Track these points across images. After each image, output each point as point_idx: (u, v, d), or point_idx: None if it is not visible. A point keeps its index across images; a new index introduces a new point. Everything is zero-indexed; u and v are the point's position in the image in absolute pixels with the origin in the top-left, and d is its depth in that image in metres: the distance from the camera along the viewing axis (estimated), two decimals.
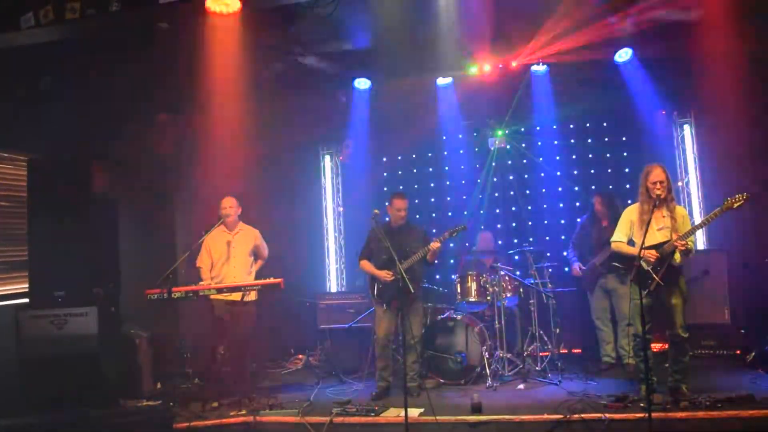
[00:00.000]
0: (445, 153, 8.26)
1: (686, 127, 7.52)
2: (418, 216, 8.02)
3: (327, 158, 8.71)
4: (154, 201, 7.07)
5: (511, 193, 7.98)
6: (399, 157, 8.46)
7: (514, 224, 7.92)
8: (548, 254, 6.75)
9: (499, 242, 7.47)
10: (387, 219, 5.78)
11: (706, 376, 5.47)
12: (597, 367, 6.16)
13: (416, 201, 8.23)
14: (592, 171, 7.70)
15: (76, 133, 6.19)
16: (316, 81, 7.38)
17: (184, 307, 6.80)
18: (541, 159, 7.82)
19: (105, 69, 6.01)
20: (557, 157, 7.79)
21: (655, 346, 6.09)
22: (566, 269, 6.93)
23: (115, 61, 5.97)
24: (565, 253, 6.85)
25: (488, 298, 6.21)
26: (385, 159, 8.52)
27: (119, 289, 5.97)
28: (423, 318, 6.18)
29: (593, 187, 7.24)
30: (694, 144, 7.45)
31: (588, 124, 7.80)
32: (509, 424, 4.62)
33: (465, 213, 7.89)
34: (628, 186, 7.01)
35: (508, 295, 6.32)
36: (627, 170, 7.41)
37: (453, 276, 6.71)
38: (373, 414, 4.89)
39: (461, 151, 8.15)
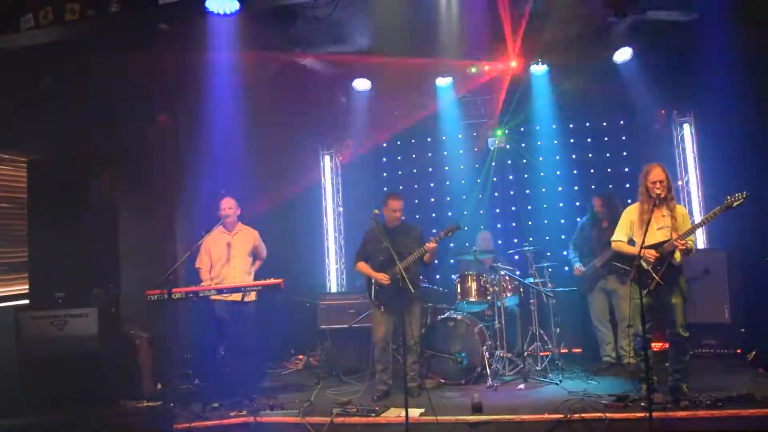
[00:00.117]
0: (445, 153, 8.26)
1: (686, 127, 7.52)
2: (417, 216, 8.02)
3: (327, 158, 8.71)
4: (154, 202, 7.06)
5: (511, 192, 7.98)
6: (399, 157, 8.47)
7: (513, 224, 7.92)
8: (548, 254, 6.75)
9: (499, 242, 7.47)
10: (383, 220, 5.71)
11: (706, 376, 5.47)
12: (597, 367, 6.16)
13: (416, 201, 8.23)
14: (592, 171, 7.70)
15: (76, 133, 6.19)
16: (316, 81, 7.39)
17: (184, 307, 6.79)
18: (540, 159, 7.82)
19: (105, 69, 6.01)
20: (557, 157, 7.79)
21: (656, 346, 6.08)
22: (566, 269, 6.93)
23: (115, 62, 5.97)
24: (565, 253, 6.85)
25: (488, 298, 6.21)
26: (384, 159, 8.52)
27: (119, 289, 5.98)
28: (424, 318, 6.19)
29: (593, 186, 7.25)
30: (694, 144, 7.45)
31: (588, 124, 7.80)
32: (510, 424, 4.62)
33: (465, 213, 7.89)
34: (628, 186, 7.01)
35: (508, 295, 6.32)
36: (627, 170, 7.41)
37: (453, 276, 6.70)
38: (373, 414, 4.89)
39: (461, 151, 8.15)
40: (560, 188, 7.73)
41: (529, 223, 7.81)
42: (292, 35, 6.32)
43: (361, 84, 7.85)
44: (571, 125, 7.77)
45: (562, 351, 6.58)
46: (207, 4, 5.37)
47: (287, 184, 8.14)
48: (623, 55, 7.02)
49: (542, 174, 7.81)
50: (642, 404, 4.59)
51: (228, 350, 5.72)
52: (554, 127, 7.72)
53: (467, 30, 6.41)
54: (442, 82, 7.77)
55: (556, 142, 7.79)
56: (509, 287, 6.35)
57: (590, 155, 7.73)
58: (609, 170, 7.61)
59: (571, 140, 7.80)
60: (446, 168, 8.25)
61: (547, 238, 7.54)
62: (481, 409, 4.83)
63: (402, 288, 5.32)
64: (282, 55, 6.79)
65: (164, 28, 5.63)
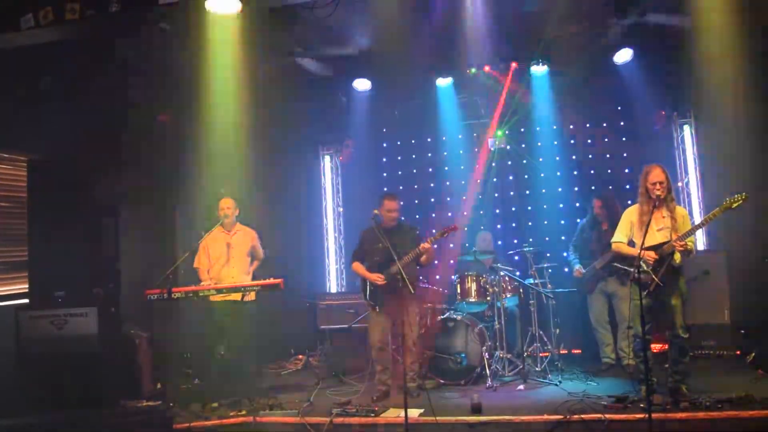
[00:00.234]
0: (445, 153, 8.26)
1: (686, 127, 7.52)
2: (417, 216, 8.03)
3: (327, 158, 8.71)
4: (154, 201, 7.06)
5: (511, 193, 7.98)
6: (399, 158, 8.47)
7: (513, 225, 7.92)
8: (548, 254, 6.74)
9: (499, 242, 7.47)
10: (381, 220, 5.67)
11: (706, 377, 5.46)
12: (597, 368, 6.16)
13: (416, 201, 8.24)
14: (592, 171, 7.70)
15: (76, 133, 6.19)
16: (316, 81, 7.40)
17: (184, 307, 6.80)
18: (540, 160, 7.82)
19: (105, 69, 6.01)
20: (557, 158, 7.79)
21: (655, 347, 6.08)
22: (566, 270, 6.92)
23: (115, 62, 5.97)
24: (565, 254, 6.84)
25: (488, 298, 6.21)
26: (384, 159, 8.52)
27: (119, 289, 5.98)
28: (423, 319, 6.19)
29: (593, 188, 7.24)
30: (694, 144, 7.45)
31: (588, 125, 7.80)
32: (509, 424, 4.62)
33: (465, 213, 7.89)
34: (628, 186, 7.01)
35: (508, 296, 6.32)
36: (627, 170, 7.41)
37: (453, 276, 6.70)
38: (373, 414, 4.89)
39: (461, 152, 8.15)
40: (560, 189, 7.73)
41: (529, 223, 7.80)
42: (293, 35, 6.33)
43: (361, 84, 7.85)
44: (571, 126, 7.77)
45: (561, 352, 6.57)
46: (207, 5, 5.37)
47: (287, 184, 8.15)
48: (623, 56, 7.02)
49: (542, 175, 7.81)
50: (641, 405, 4.59)
51: (227, 350, 5.72)
52: (554, 128, 7.72)
53: (468, 30, 6.42)
54: (442, 82, 7.77)
55: (556, 143, 7.79)
56: (509, 288, 6.35)
57: (590, 156, 7.73)
58: (609, 171, 7.61)
59: (571, 141, 7.80)
60: (446, 168, 8.25)
61: (547, 239, 7.54)
62: (481, 409, 4.83)
63: (397, 288, 5.33)
64: (282, 54, 6.80)
65: (164, 28, 5.62)
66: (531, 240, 6.81)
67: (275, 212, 7.83)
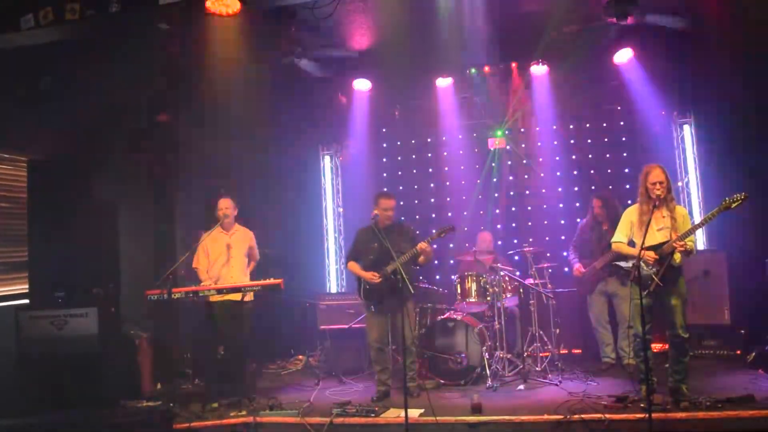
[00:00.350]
0: (445, 153, 8.26)
1: (686, 127, 7.52)
2: (417, 216, 8.04)
3: (327, 159, 8.71)
4: (154, 201, 7.07)
5: (511, 193, 7.98)
6: (399, 158, 8.46)
7: (513, 224, 7.92)
8: (548, 254, 6.75)
9: (499, 242, 7.47)
10: (376, 217, 5.55)
11: (706, 377, 5.47)
12: (597, 368, 6.16)
13: (416, 201, 8.24)
14: (592, 171, 7.70)
15: (76, 133, 6.19)
16: (316, 81, 7.39)
17: (184, 307, 6.80)
18: (540, 159, 7.82)
19: (105, 69, 6.02)
20: (557, 158, 7.79)
21: (656, 347, 6.08)
22: (566, 270, 6.93)
23: (115, 62, 5.97)
24: (565, 254, 6.85)
25: (488, 298, 6.21)
26: (384, 159, 8.52)
27: (119, 289, 5.98)
28: (423, 319, 6.20)
29: (593, 187, 7.24)
30: (694, 144, 7.45)
31: (588, 125, 7.80)
32: (509, 424, 4.62)
33: (465, 213, 7.89)
34: (627, 186, 7.01)
35: (508, 296, 6.32)
36: (627, 170, 7.41)
37: (453, 276, 6.70)
38: (373, 415, 4.89)
39: (461, 152, 8.15)
40: (560, 189, 7.73)
41: (529, 223, 7.80)
42: (293, 35, 6.33)
43: (361, 84, 7.85)
44: (570, 126, 7.77)
45: (561, 352, 6.58)
46: (207, 5, 5.37)
47: (287, 184, 8.15)
48: (623, 56, 7.02)
49: (542, 175, 7.80)
50: (642, 405, 4.59)
51: (227, 350, 5.72)
52: (554, 128, 7.72)
53: (467, 30, 6.42)
54: (442, 82, 7.77)
55: (556, 143, 7.79)
56: (509, 288, 6.35)
57: (590, 156, 7.73)
58: (609, 171, 7.61)
59: (571, 141, 7.80)
60: (446, 168, 8.25)
61: (547, 239, 7.54)
62: (481, 409, 4.83)
63: (393, 288, 5.33)
64: (282, 54, 6.80)
65: (164, 28, 5.62)
66: (531, 240, 6.81)
67: (275, 212, 7.83)
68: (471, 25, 6.28)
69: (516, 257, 7.20)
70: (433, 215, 8.20)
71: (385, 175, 8.51)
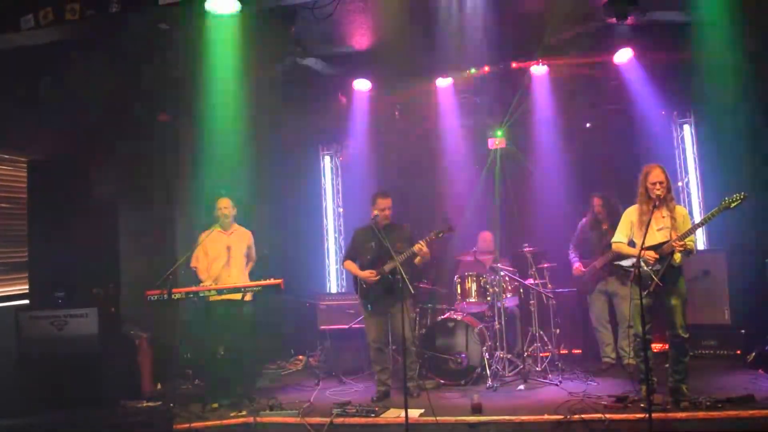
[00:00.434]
0: (445, 153, 8.24)
1: (686, 127, 7.52)
2: (417, 217, 8.00)
3: (327, 159, 8.71)
4: (154, 202, 7.07)
5: (511, 193, 7.97)
6: (398, 158, 8.44)
7: (513, 224, 7.90)
8: (548, 255, 6.74)
9: (499, 243, 7.45)
10: (377, 217, 5.56)
11: (706, 377, 5.47)
12: (597, 368, 6.16)
13: (416, 201, 8.21)
14: (592, 171, 7.68)
15: (76, 133, 6.19)
16: (316, 82, 7.39)
17: (184, 307, 6.81)
18: (540, 159, 7.81)
19: (105, 69, 6.01)
20: (557, 158, 7.77)
21: (656, 347, 6.08)
22: (566, 270, 6.91)
23: (115, 62, 5.97)
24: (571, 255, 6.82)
25: (488, 298, 6.21)
26: (384, 159, 8.51)
27: (119, 289, 5.98)
28: (424, 319, 6.20)
29: (593, 187, 7.23)
30: (694, 144, 7.45)
31: (588, 125, 7.78)
32: (509, 424, 4.62)
33: (465, 214, 7.88)
34: (628, 187, 6.99)
35: (508, 296, 6.32)
36: (627, 171, 7.37)
37: (453, 277, 6.69)
38: (373, 415, 4.89)
39: (461, 152, 8.14)
40: (560, 189, 7.71)
41: (529, 223, 7.79)
42: (293, 35, 6.32)
43: (361, 84, 7.85)
44: (570, 126, 7.75)
45: (561, 352, 6.58)
46: (207, 5, 5.37)
47: (287, 185, 8.14)
48: (623, 56, 7.01)
49: (542, 175, 7.80)
50: (642, 405, 4.59)
51: (227, 350, 5.71)
52: (554, 128, 7.71)
53: (467, 30, 6.42)
54: (442, 82, 7.77)
55: (555, 143, 7.77)
56: (509, 288, 6.35)
57: (590, 156, 7.72)
58: (609, 171, 7.59)
59: (571, 141, 7.78)
60: (446, 168, 8.24)
61: (547, 239, 7.53)
62: (481, 409, 4.83)
63: (389, 287, 5.34)
64: (282, 55, 6.79)
65: (164, 28, 5.62)
66: (531, 240, 6.80)
67: (275, 212, 7.84)
68: (471, 24, 6.28)
69: (516, 257, 7.18)
70: (433, 215, 8.17)
71: (384, 175, 8.50)
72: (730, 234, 6.55)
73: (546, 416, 4.62)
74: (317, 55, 7.04)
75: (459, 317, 6.05)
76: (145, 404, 5.54)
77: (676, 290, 4.76)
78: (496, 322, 6.08)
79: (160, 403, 5.55)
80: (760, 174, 6.19)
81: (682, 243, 4.61)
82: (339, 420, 4.85)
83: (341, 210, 8.59)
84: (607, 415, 4.51)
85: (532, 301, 6.32)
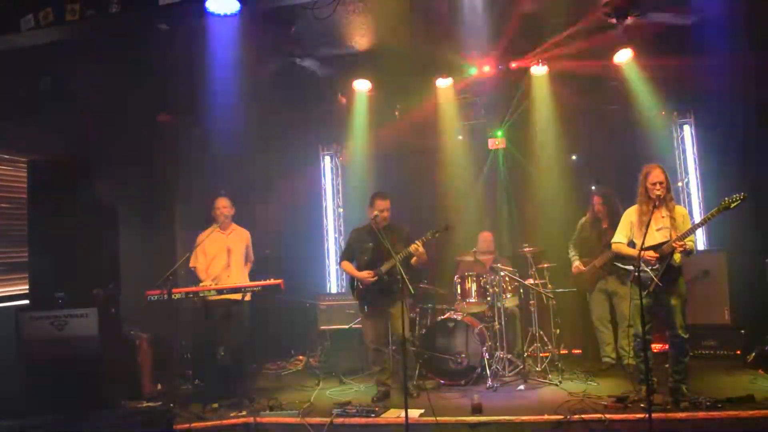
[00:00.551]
0: (445, 153, 8.25)
1: (686, 127, 7.53)
2: (417, 217, 8.00)
3: (327, 159, 8.72)
4: (154, 202, 7.07)
5: (511, 193, 7.98)
6: (398, 158, 8.45)
7: (513, 224, 7.91)
8: (548, 254, 6.74)
9: (499, 243, 7.46)
10: (377, 218, 5.55)
11: (706, 377, 5.48)
12: (597, 368, 6.16)
13: (416, 202, 8.20)
14: (592, 171, 7.68)
15: (76, 133, 6.18)
16: (316, 82, 7.39)
17: (184, 308, 6.81)
18: (540, 159, 7.81)
19: (105, 70, 6.01)
20: (557, 158, 7.78)
21: (656, 347, 6.09)
22: (566, 270, 6.91)
23: (115, 62, 5.97)
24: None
25: (488, 298, 6.22)
26: (384, 159, 8.50)
27: (119, 290, 5.97)
28: (424, 319, 6.19)
29: (593, 187, 7.23)
30: (694, 144, 7.46)
31: (588, 125, 7.78)
32: (509, 424, 4.63)
33: (465, 214, 7.88)
34: (628, 186, 6.99)
35: (508, 296, 6.32)
36: (626, 171, 7.37)
37: (453, 277, 6.69)
38: (373, 415, 4.89)
39: (461, 152, 8.14)
40: (560, 189, 7.72)
41: (529, 223, 7.79)
42: (293, 36, 6.32)
43: (361, 84, 7.85)
44: (570, 126, 7.75)
45: (561, 352, 6.58)
46: (207, 5, 5.37)
47: (287, 185, 8.15)
48: (623, 56, 7.02)
49: (542, 175, 7.80)
50: (642, 405, 4.60)
51: (227, 351, 5.71)
52: (554, 128, 7.71)
53: (467, 30, 6.42)
54: (442, 82, 7.77)
55: (555, 142, 7.77)
56: (509, 288, 6.36)
57: (590, 156, 7.72)
58: (609, 171, 7.59)
59: (571, 141, 7.79)
60: (446, 169, 8.24)
61: (547, 238, 7.53)
62: (481, 409, 4.84)
63: (386, 288, 5.34)
64: (282, 55, 6.79)
65: (164, 29, 5.62)
66: (531, 240, 6.80)
67: (275, 213, 7.84)
68: (471, 25, 6.27)
69: (516, 257, 7.18)
70: (433, 215, 8.17)
71: (384, 175, 8.49)
72: (730, 234, 6.55)
73: (546, 416, 4.63)
74: (317, 56, 7.03)
75: (459, 317, 6.05)
76: (145, 404, 5.54)
77: (676, 290, 4.76)
78: (496, 322, 6.08)
79: (160, 403, 5.55)
80: (760, 174, 6.19)
81: (681, 243, 4.61)
82: (339, 420, 4.86)
83: (341, 210, 8.59)
84: (607, 415, 4.51)
85: (532, 301, 6.32)
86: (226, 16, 5.53)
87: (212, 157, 7.24)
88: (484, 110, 7.95)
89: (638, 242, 4.66)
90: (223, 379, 5.66)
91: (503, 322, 6.04)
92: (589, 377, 5.83)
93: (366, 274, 5.49)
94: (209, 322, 5.69)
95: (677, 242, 4.62)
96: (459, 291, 6.37)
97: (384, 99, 8.00)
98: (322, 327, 7.01)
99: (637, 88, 7.14)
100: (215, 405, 5.40)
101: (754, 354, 5.84)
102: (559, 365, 6.07)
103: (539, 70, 7.37)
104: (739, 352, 6.16)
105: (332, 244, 8.53)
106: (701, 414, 4.44)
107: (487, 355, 5.84)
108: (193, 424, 4.99)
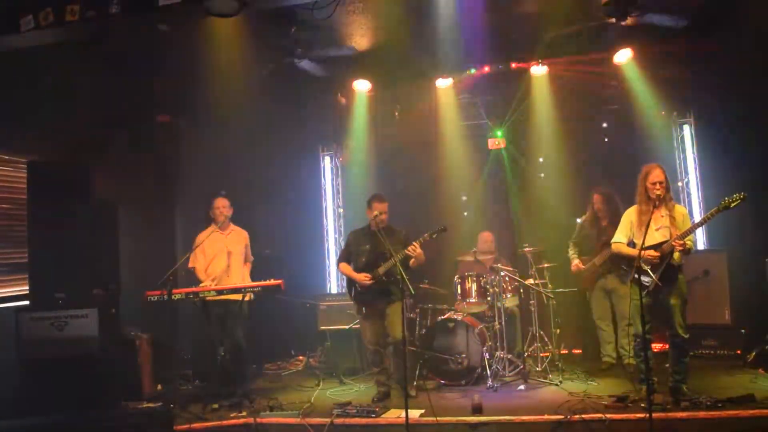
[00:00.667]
0: (445, 154, 8.24)
1: (686, 127, 7.53)
2: (417, 217, 8.00)
3: (327, 159, 8.71)
4: (154, 202, 7.07)
5: (511, 193, 7.98)
6: (398, 158, 8.44)
7: (513, 224, 7.91)
8: (548, 254, 6.74)
9: (499, 243, 7.46)
10: (377, 218, 5.57)
11: (706, 376, 5.48)
12: (597, 368, 6.16)
13: (416, 202, 8.21)
14: (592, 172, 7.68)
15: (76, 133, 6.18)
16: (316, 82, 7.39)
17: (184, 308, 6.81)
18: (540, 159, 7.81)
19: (105, 70, 6.01)
20: (557, 158, 7.78)
21: (656, 347, 6.08)
22: (566, 270, 6.90)
23: (115, 63, 5.97)
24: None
25: (488, 298, 6.22)
26: (384, 160, 8.50)
27: (119, 290, 5.97)
28: (424, 319, 6.19)
29: (593, 187, 7.23)
30: (694, 144, 7.46)
31: (588, 125, 7.79)
32: (510, 424, 4.63)
33: (465, 214, 7.88)
34: (628, 186, 6.99)
35: (509, 296, 6.32)
36: (626, 171, 7.37)
37: (453, 277, 6.69)
38: (373, 415, 4.89)
39: (461, 152, 8.14)
40: (560, 189, 7.71)
41: (529, 223, 7.79)
42: (292, 36, 6.32)
43: (361, 84, 7.84)
44: (570, 126, 7.75)
45: (562, 352, 6.58)
46: (207, 5, 5.36)
47: (287, 185, 8.15)
48: (623, 56, 7.02)
49: (542, 175, 7.80)
50: (642, 405, 4.60)
51: (227, 351, 5.71)
52: (554, 128, 7.71)
53: (467, 31, 6.42)
54: (442, 82, 7.77)
55: (555, 142, 7.77)
56: (509, 288, 6.36)
57: (590, 156, 7.72)
58: (608, 171, 7.59)
59: (571, 141, 7.78)
60: (446, 169, 8.24)
61: (547, 238, 7.53)
62: (482, 410, 4.83)
63: (383, 289, 5.35)
64: (282, 55, 6.79)
65: (164, 29, 5.62)
66: (531, 240, 6.80)
67: (275, 213, 7.84)
68: (470, 25, 6.27)
69: (516, 257, 7.19)
70: (433, 216, 8.17)
71: (384, 175, 8.49)
72: (730, 234, 6.55)
73: (546, 416, 4.63)
74: (317, 56, 7.03)
75: (459, 317, 6.05)
76: (145, 405, 5.54)
77: (676, 290, 4.76)
78: (497, 322, 6.08)
79: (160, 403, 5.55)
80: (760, 174, 6.19)
81: (681, 242, 4.61)
82: (339, 420, 4.86)
83: (341, 210, 8.59)
84: (607, 415, 4.51)
85: (532, 301, 6.32)
86: (226, 16, 5.53)
87: (212, 157, 7.24)
88: (484, 110, 7.95)
89: (638, 242, 4.66)
90: (223, 380, 5.66)
91: (503, 322, 6.04)
92: (589, 377, 5.82)
93: (364, 277, 5.50)
94: (209, 323, 5.69)
95: (677, 241, 4.62)
96: (459, 291, 6.37)
97: (384, 99, 8.00)
98: (322, 327, 7.01)
99: (637, 88, 7.14)
100: (215, 405, 5.40)
101: (754, 354, 5.83)
102: (559, 365, 6.07)
103: (539, 70, 7.38)
104: (739, 352, 6.15)
105: (332, 244, 8.52)
106: (702, 414, 4.44)
107: (487, 355, 5.84)
108: (193, 425, 4.99)
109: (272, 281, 5.23)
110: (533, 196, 7.87)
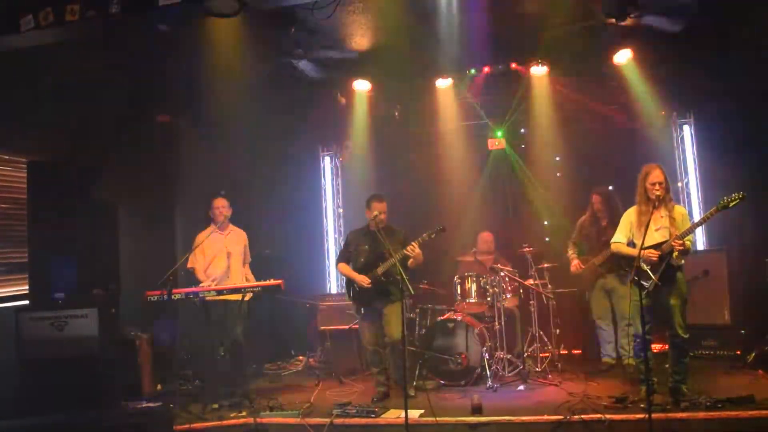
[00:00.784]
0: (445, 154, 8.24)
1: (686, 128, 7.53)
2: (417, 218, 8.00)
3: (327, 159, 8.72)
4: (154, 202, 7.07)
5: (511, 193, 7.98)
6: (398, 158, 8.45)
7: (513, 225, 7.92)
8: (548, 254, 6.74)
9: (499, 243, 7.46)
10: (376, 218, 5.56)
11: (706, 377, 5.47)
12: (597, 368, 6.16)
13: (416, 202, 8.21)
14: (591, 172, 7.68)
15: (76, 133, 6.19)
16: (316, 82, 7.39)
17: (184, 308, 6.81)
18: (540, 160, 7.81)
19: (105, 70, 6.01)
20: (557, 158, 7.79)
21: (656, 347, 6.08)
22: (566, 270, 6.91)
23: (115, 63, 5.97)
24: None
25: (488, 299, 6.22)
26: (384, 160, 8.51)
27: (119, 290, 5.97)
28: (424, 319, 6.18)
29: (592, 187, 7.23)
30: (694, 144, 7.46)
31: (587, 125, 7.79)
32: (510, 425, 4.63)
33: (465, 214, 7.88)
34: (628, 186, 6.99)
35: (508, 296, 6.32)
36: (626, 171, 7.37)
37: (453, 277, 6.69)
38: (373, 415, 4.89)
39: (460, 152, 8.14)
40: (560, 189, 7.72)
41: (529, 223, 7.80)
42: (292, 36, 6.32)
43: (361, 85, 7.85)
44: (570, 126, 7.76)
45: (561, 352, 6.58)
46: (207, 5, 5.36)
47: (287, 185, 8.15)
48: (623, 56, 7.02)
49: (542, 175, 7.80)
50: (642, 405, 4.59)
51: (227, 351, 5.71)
52: (554, 128, 7.71)
53: (467, 31, 6.42)
54: (442, 82, 7.77)
55: (555, 143, 7.78)
56: (509, 288, 6.36)
57: (589, 156, 7.72)
58: (608, 171, 7.58)
59: (571, 141, 7.79)
60: (446, 169, 8.24)
61: (547, 239, 7.54)
62: (481, 410, 4.83)
63: (382, 290, 5.35)
64: (281, 56, 6.80)
65: (164, 29, 5.62)
66: (531, 240, 6.80)
67: (275, 212, 7.84)
68: (470, 25, 6.27)
69: (516, 258, 7.18)
70: (433, 216, 8.16)
71: (384, 175, 8.49)
72: (730, 234, 6.56)
73: (546, 416, 4.63)
74: (317, 56, 7.03)
75: (459, 318, 6.05)
76: (145, 405, 5.54)
77: (676, 290, 4.76)
78: (496, 323, 6.08)
79: (160, 403, 5.55)
80: (759, 174, 6.19)
81: (680, 242, 4.61)
82: (339, 420, 4.86)
83: (341, 210, 8.59)
84: (607, 416, 4.51)
85: (532, 302, 6.32)
86: (226, 16, 5.53)
87: (212, 157, 7.24)
88: (484, 110, 7.95)
89: (638, 242, 4.66)
90: (223, 380, 5.66)
91: (503, 323, 6.04)
92: (589, 377, 5.82)
93: (363, 278, 5.50)
94: (209, 323, 5.69)
95: (676, 241, 4.62)
96: (459, 291, 6.37)
97: (384, 99, 8.00)
98: (322, 327, 7.01)
99: (637, 88, 7.14)
100: (215, 405, 5.40)
101: (754, 354, 5.83)
102: (559, 365, 6.07)
103: (539, 70, 7.37)
104: (739, 352, 6.14)
105: (332, 244, 8.53)
106: (701, 414, 4.43)
107: (487, 356, 5.84)
108: (193, 425, 4.99)
109: (272, 281, 5.23)
110: (533, 196, 7.87)
